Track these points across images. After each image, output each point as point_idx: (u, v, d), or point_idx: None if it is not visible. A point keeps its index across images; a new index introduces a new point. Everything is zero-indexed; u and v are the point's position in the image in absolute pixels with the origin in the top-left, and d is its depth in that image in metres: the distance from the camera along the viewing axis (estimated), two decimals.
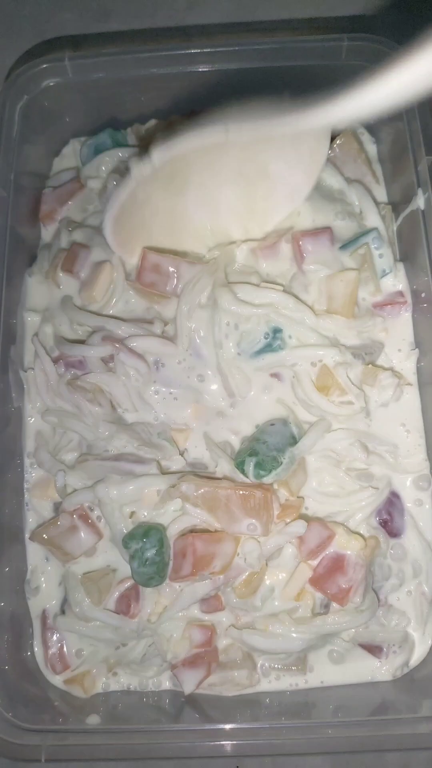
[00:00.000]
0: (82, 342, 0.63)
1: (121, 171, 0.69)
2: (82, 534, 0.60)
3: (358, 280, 0.62)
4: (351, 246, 0.65)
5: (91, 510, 0.60)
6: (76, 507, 0.60)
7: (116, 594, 0.59)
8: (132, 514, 0.58)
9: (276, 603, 0.58)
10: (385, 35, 0.66)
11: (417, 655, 0.60)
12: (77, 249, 0.66)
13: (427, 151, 0.62)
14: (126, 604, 0.59)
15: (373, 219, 0.67)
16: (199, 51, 0.67)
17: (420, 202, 0.62)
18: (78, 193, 0.71)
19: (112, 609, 0.59)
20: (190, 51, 0.67)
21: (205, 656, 0.59)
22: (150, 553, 0.56)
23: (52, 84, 0.68)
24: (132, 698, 0.61)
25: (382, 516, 0.60)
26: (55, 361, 0.63)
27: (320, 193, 0.67)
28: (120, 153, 0.70)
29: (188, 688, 0.58)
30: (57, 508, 0.63)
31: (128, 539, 0.57)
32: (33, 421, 0.65)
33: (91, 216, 0.69)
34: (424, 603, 0.60)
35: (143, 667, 0.61)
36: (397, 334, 0.65)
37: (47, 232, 0.71)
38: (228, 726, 0.55)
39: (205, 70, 0.67)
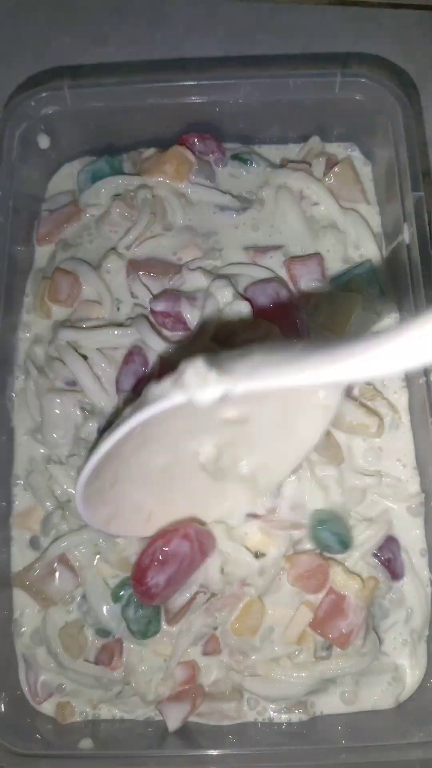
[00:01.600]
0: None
1: (122, 197, 0.69)
2: (61, 578, 0.58)
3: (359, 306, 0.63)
4: (342, 278, 0.65)
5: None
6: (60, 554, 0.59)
7: (99, 645, 0.58)
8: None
9: (276, 648, 0.56)
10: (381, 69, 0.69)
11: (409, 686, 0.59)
12: (68, 279, 0.65)
13: (414, 187, 0.64)
14: (108, 656, 0.57)
15: (369, 248, 0.68)
16: (194, 84, 0.67)
17: (405, 236, 0.63)
18: (75, 217, 0.70)
19: (92, 660, 0.58)
20: (184, 83, 0.67)
21: (190, 691, 0.57)
22: None
23: (51, 112, 0.68)
24: (125, 723, 0.59)
25: (383, 554, 0.59)
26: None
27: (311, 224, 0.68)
28: (120, 180, 0.70)
29: (173, 724, 0.56)
30: (35, 541, 0.61)
31: (118, 589, 0.57)
32: (23, 446, 0.64)
33: (87, 244, 0.69)
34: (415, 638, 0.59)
35: (127, 705, 0.59)
36: None
37: (41, 254, 0.70)
38: (217, 752, 0.54)
39: (200, 101, 0.68)
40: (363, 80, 0.66)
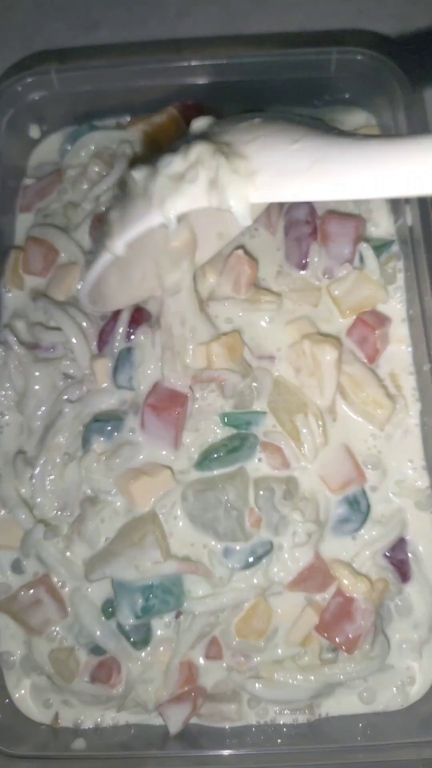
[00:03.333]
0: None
1: (102, 155, 0.66)
2: (47, 609, 0.55)
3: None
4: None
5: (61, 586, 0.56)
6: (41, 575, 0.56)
7: (95, 663, 0.55)
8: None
9: (279, 650, 0.54)
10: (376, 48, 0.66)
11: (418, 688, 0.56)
12: (40, 248, 0.63)
13: None
14: (106, 673, 0.55)
15: (383, 222, 0.64)
16: (186, 64, 0.64)
17: (408, 218, 0.60)
18: (57, 184, 0.67)
19: (88, 680, 0.55)
20: (176, 64, 0.64)
21: (190, 692, 0.54)
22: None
23: (37, 98, 0.65)
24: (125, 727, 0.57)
25: (396, 555, 0.56)
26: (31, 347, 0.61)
27: None
28: (100, 135, 0.67)
29: (174, 726, 0.54)
30: (17, 565, 0.58)
31: (106, 605, 0.55)
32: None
33: (62, 207, 0.65)
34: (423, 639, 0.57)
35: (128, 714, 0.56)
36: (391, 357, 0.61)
37: (22, 225, 0.67)
38: (217, 752, 0.52)
39: (192, 83, 0.65)
40: (359, 57, 0.63)
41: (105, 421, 0.57)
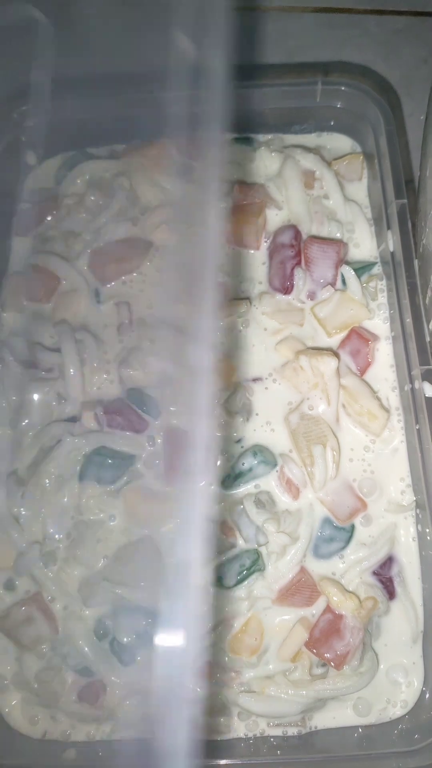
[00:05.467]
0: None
1: (98, 184, 0.67)
2: (38, 626, 0.55)
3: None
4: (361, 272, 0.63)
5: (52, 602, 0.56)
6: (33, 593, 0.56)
7: (83, 683, 0.55)
8: None
9: (270, 666, 0.54)
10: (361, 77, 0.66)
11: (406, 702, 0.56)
12: (42, 276, 0.64)
13: (397, 194, 0.63)
14: (93, 694, 0.54)
15: (366, 244, 0.65)
16: (177, 94, 0.61)
17: (390, 243, 0.62)
18: (53, 210, 0.68)
19: (75, 698, 0.55)
20: (168, 94, 0.62)
21: None
22: None
23: (33, 125, 0.66)
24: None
25: (384, 573, 0.56)
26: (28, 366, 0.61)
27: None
28: (96, 165, 0.68)
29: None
30: (10, 583, 0.58)
31: (98, 626, 0.55)
32: None
33: (60, 236, 0.66)
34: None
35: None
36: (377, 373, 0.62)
37: (18, 249, 0.68)
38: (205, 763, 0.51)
39: (184, 112, 0.68)
40: (343, 88, 0.65)
41: (109, 457, 0.58)
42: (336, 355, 0.60)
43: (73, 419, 0.60)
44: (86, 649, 0.55)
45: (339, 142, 0.71)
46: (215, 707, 0.55)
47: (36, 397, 0.61)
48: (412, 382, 0.58)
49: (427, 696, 0.55)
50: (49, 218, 0.68)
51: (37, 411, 0.61)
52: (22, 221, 0.69)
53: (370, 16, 0.84)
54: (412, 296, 0.59)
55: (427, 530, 0.56)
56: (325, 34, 0.83)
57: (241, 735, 0.55)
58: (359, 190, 0.69)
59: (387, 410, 0.59)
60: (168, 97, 0.65)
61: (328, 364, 0.58)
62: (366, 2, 0.84)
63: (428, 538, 0.56)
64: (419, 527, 0.58)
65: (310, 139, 0.71)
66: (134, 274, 0.65)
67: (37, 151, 0.70)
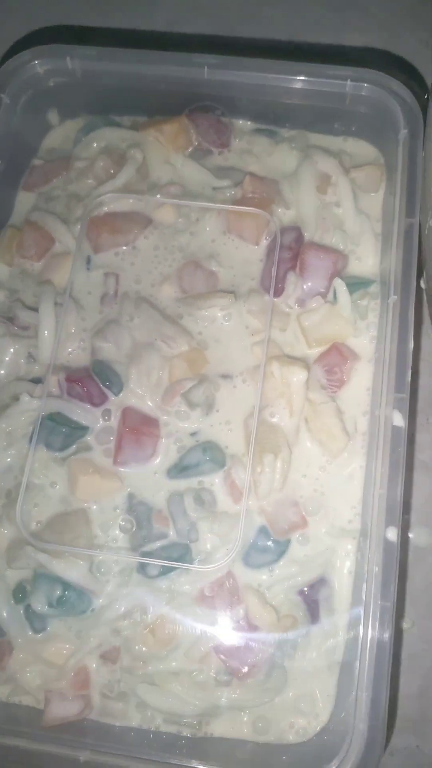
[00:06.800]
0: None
1: (111, 153, 0.66)
2: None
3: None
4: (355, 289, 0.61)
5: None
6: None
7: None
8: None
9: (174, 663, 0.53)
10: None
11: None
12: (36, 234, 0.64)
13: (409, 212, 0.60)
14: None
15: (369, 259, 0.63)
16: (206, 77, 0.63)
17: (392, 262, 0.59)
18: (64, 171, 0.67)
19: None
20: (196, 75, 0.63)
21: (81, 698, 0.53)
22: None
23: (56, 84, 0.65)
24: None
25: (311, 595, 0.54)
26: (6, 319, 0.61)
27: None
28: (112, 133, 0.67)
29: (49, 719, 0.52)
30: None
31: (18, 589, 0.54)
32: None
33: (64, 197, 0.66)
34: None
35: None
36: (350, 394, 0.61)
37: (21, 203, 0.68)
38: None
39: (209, 93, 0.65)
40: (368, 93, 0.62)
41: (62, 424, 0.57)
42: (307, 367, 0.58)
43: (37, 380, 0.60)
44: (2, 608, 0.55)
45: (363, 150, 0.68)
46: (115, 692, 0.54)
47: (9, 351, 0.61)
48: (382, 408, 0.55)
49: (330, 728, 0.54)
50: (56, 179, 0.68)
51: (5, 365, 0.61)
52: (31, 177, 0.69)
53: None
54: (402, 320, 0.57)
55: (366, 560, 0.54)
56: (326, 15, 0.82)
57: (134, 725, 0.54)
58: (374, 202, 0.66)
59: (347, 434, 0.57)
60: (195, 77, 0.64)
61: (298, 375, 0.57)
62: None
63: (366, 567, 0.54)
64: (359, 556, 0.56)
65: (336, 141, 0.68)
66: (128, 247, 0.64)
67: (60, 109, 0.70)
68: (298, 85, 0.63)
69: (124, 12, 0.84)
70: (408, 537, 0.65)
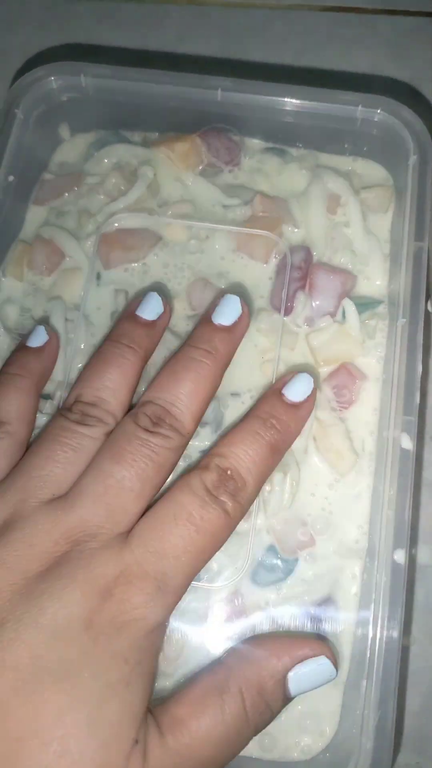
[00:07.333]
0: None
1: (123, 169, 0.67)
2: None
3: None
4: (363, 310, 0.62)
5: None
6: None
7: None
8: None
9: (182, 681, 0.52)
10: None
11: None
12: (46, 249, 0.64)
13: (417, 236, 0.61)
14: None
15: (377, 280, 0.64)
16: (219, 97, 0.64)
17: (401, 285, 0.59)
18: (74, 186, 0.68)
19: None
20: (209, 94, 0.64)
21: None
22: None
23: (68, 99, 0.66)
24: None
25: (317, 614, 0.55)
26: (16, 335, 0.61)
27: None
28: (123, 149, 0.68)
29: None
30: None
31: None
32: None
33: (75, 212, 0.66)
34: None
35: None
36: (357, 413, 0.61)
37: (32, 218, 0.68)
38: None
39: (222, 113, 0.66)
40: (379, 115, 0.62)
41: None
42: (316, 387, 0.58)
43: (47, 397, 0.60)
44: None
45: (373, 171, 0.69)
46: None
47: None
48: (390, 430, 0.56)
49: (334, 747, 0.54)
50: (67, 194, 0.68)
51: None
52: (42, 191, 0.69)
53: (379, 16, 0.83)
54: (411, 343, 0.57)
55: (374, 580, 0.55)
56: (333, 33, 0.83)
57: None
58: (383, 222, 0.67)
59: (356, 453, 0.58)
60: (208, 98, 0.64)
61: None
62: (376, 2, 0.83)
63: (373, 588, 0.55)
64: (365, 576, 0.56)
65: (345, 162, 0.69)
66: (138, 264, 0.65)
67: (71, 123, 0.70)
68: (311, 109, 0.64)
69: (134, 27, 0.85)
70: (411, 554, 0.65)
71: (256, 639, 0.50)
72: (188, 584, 0.46)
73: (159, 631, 0.45)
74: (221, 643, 0.54)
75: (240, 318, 0.55)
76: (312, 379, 0.54)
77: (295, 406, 0.53)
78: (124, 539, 0.45)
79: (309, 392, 0.54)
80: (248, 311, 0.56)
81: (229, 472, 0.48)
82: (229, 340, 0.54)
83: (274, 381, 0.59)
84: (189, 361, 0.52)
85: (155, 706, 0.44)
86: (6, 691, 0.39)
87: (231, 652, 0.48)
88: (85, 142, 0.71)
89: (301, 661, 0.46)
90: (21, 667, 0.39)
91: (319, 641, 0.48)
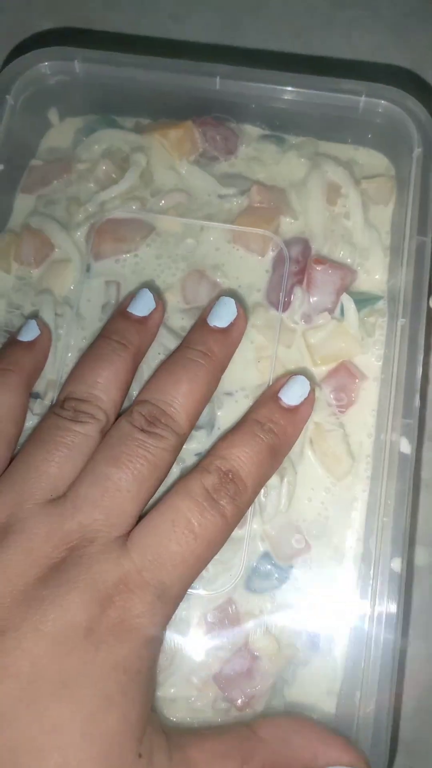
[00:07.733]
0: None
1: (114, 156, 0.64)
2: None
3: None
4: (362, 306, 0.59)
5: None
6: None
7: None
8: None
9: (173, 690, 0.52)
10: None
11: None
12: (35, 240, 0.62)
13: (420, 230, 0.59)
14: None
15: (377, 275, 0.61)
16: (215, 81, 0.61)
17: (402, 279, 0.57)
18: (64, 173, 0.65)
19: None
20: (206, 79, 0.61)
21: None
22: None
23: (58, 82, 0.63)
24: None
25: (311, 622, 0.53)
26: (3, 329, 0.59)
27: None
28: (115, 135, 0.65)
29: None
30: None
31: None
32: None
33: (64, 201, 0.64)
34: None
35: None
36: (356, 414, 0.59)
37: (20, 207, 0.65)
38: None
39: (217, 99, 0.63)
40: (384, 104, 0.60)
41: None
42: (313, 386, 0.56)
43: (36, 396, 0.58)
44: None
45: (374, 160, 0.66)
46: None
47: None
48: (388, 432, 0.54)
49: None
50: (56, 181, 0.65)
51: None
52: (30, 178, 0.66)
53: None
54: (411, 344, 0.55)
55: (370, 587, 0.53)
56: (334, 14, 0.80)
57: None
58: (384, 215, 0.64)
59: (353, 457, 0.56)
60: (204, 80, 0.62)
61: None
62: None
63: (369, 594, 0.53)
64: (361, 582, 0.55)
65: (346, 150, 0.66)
66: (129, 255, 0.62)
67: (60, 108, 0.67)
68: (311, 99, 0.61)
69: (127, 7, 0.81)
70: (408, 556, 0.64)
71: (297, 721, 0.47)
72: (185, 592, 0.45)
73: (157, 640, 0.43)
74: (213, 653, 0.52)
75: (235, 321, 0.53)
76: (308, 382, 0.52)
77: (291, 410, 0.51)
78: (122, 543, 0.43)
79: (306, 395, 0.52)
80: (244, 313, 0.54)
81: (230, 475, 0.46)
82: (225, 343, 0.52)
83: (270, 380, 0.57)
84: (185, 362, 0.50)
85: (171, 735, 0.43)
86: (6, 700, 0.37)
87: (268, 724, 0.46)
88: (75, 127, 0.68)
89: (336, 766, 0.44)
90: (21, 675, 0.38)
91: (360, 752, 0.44)
